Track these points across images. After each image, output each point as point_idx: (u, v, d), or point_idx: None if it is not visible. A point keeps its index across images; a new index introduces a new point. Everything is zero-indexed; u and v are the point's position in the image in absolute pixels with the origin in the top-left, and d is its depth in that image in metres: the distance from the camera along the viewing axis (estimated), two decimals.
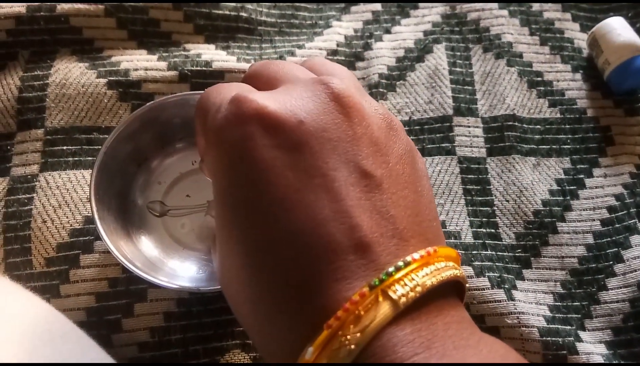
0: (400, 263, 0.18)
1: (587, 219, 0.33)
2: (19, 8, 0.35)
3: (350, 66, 0.38)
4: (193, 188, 0.33)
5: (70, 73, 0.34)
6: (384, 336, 0.17)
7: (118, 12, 0.36)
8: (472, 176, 0.34)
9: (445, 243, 0.22)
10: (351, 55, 0.38)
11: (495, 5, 0.40)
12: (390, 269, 0.18)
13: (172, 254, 0.31)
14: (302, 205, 0.19)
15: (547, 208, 0.33)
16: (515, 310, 0.30)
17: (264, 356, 0.21)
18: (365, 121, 0.21)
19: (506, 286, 0.31)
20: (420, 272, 0.18)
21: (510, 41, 0.38)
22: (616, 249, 0.32)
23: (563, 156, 0.35)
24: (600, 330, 0.31)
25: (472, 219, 0.33)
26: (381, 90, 0.36)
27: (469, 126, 0.36)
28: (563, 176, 0.35)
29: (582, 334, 0.30)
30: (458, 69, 0.37)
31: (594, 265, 0.32)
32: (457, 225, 0.33)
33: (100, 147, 0.30)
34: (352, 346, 0.17)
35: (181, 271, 0.30)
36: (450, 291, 0.20)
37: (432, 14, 0.40)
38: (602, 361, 0.29)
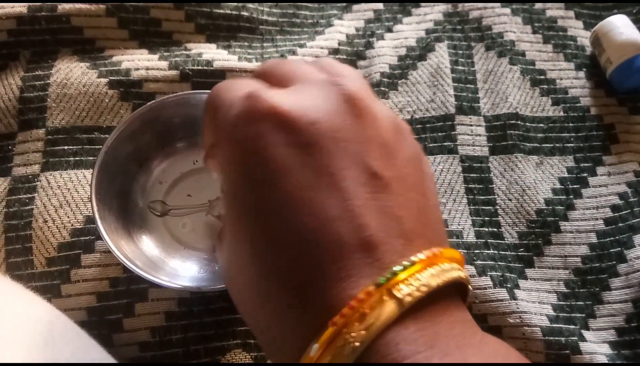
0: (406, 263, 0.18)
1: (590, 219, 0.33)
2: (20, 8, 0.35)
3: (352, 64, 0.37)
4: (194, 187, 0.33)
5: (72, 73, 0.34)
6: (388, 334, 0.17)
7: (119, 12, 0.36)
8: (475, 175, 0.34)
9: (448, 244, 0.22)
10: (353, 54, 0.38)
11: (497, 3, 0.39)
12: (396, 268, 0.18)
13: (173, 254, 0.31)
14: (311, 203, 0.19)
15: (550, 207, 0.33)
16: (518, 309, 0.29)
17: (268, 354, 0.21)
18: (375, 123, 0.21)
19: (509, 286, 0.30)
20: (425, 272, 0.19)
21: (512, 39, 0.38)
22: (619, 249, 0.32)
23: (566, 154, 0.35)
24: (604, 329, 0.30)
25: (474, 218, 0.33)
26: (383, 89, 0.36)
27: (471, 125, 0.36)
28: (566, 175, 0.34)
29: (585, 333, 0.30)
30: (460, 68, 0.37)
31: (597, 265, 0.32)
32: (459, 224, 0.33)
33: (101, 147, 0.30)
34: (357, 344, 0.17)
35: (182, 271, 0.30)
36: (453, 292, 0.20)
37: (434, 12, 0.40)
38: (606, 361, 0.29)
